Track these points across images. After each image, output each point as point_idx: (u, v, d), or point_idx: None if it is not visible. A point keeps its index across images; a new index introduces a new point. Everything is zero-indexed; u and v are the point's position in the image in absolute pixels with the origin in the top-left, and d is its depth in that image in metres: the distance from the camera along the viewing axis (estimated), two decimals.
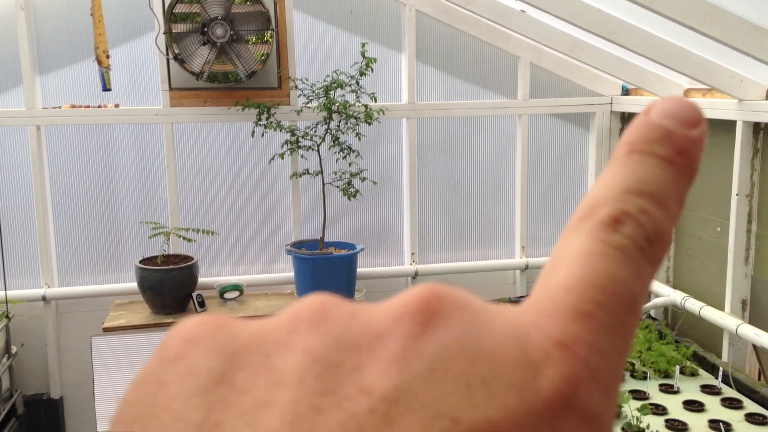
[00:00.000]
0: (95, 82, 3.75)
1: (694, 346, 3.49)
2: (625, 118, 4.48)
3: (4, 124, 3.96)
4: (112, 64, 3.64)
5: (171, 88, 4.01)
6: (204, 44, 3.77)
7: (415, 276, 4.47)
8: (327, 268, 3.99)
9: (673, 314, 3.99)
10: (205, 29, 3.74)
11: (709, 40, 2.83)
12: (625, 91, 4.42)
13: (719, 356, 3.43)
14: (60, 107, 4.00)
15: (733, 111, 3.29)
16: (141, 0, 3.87)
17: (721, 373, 3.12)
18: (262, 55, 3.88)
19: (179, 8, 3.74)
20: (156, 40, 3.90)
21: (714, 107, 3.45)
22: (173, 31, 3.76)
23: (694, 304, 3.56)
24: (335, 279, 4.00)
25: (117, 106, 4.04)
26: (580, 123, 4.57)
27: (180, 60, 3.80)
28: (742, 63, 3.08)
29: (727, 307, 3.39)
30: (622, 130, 4.51)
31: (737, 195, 3.31)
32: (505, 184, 4.58)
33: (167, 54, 3.87)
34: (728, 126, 3.40)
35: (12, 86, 3.97)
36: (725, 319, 3.34)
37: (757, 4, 2.69)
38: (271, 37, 3.86)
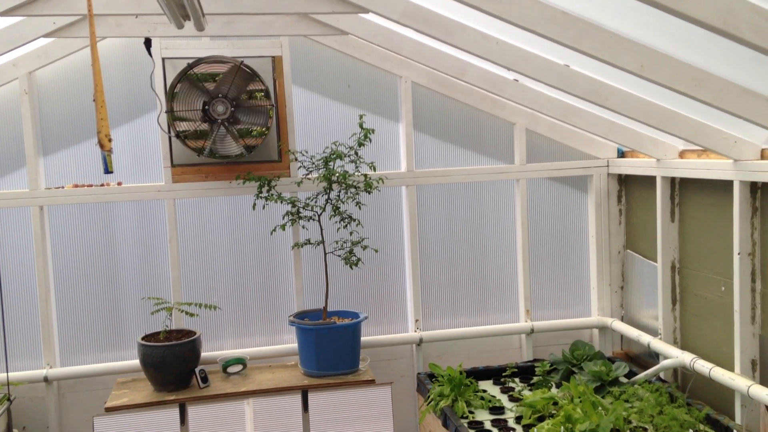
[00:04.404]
0: (97, 160, 3.80)
1: (707, 408, 3.43)
2: (622, 179, 4.52)
3: (8, 205, 3.99)
4: (115, 142, 3.69)
5: (173, 165, 4.07)
6: (205, 121, 3.84)
7: (420, 342, 4.42)
8: (331, 338, 3.96)
9: (683, 376, 3.93)
10: (206, 107, 3.82)
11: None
12: (621, 154, 4.48)
13: (732, 418, 3.37)
14: (63, 187, 4.05)
15: (729, 171, 3.32)
16: (143, 81, 3.96)
17: None
18: (262, 132, 3.94)
19: (180, 87, 3.82)
20: (158, 119, 3.97)
21: (710, 168, 3.48)
22: (175, 110, 3.83)
23: (703, 366, 3.51)
24: (339, 348, 3.97)
25: (120, 184, 4.09)
26: (578, 185, 4.61)
27: (182, 137, 3.86)
28: (734, 124, 3.13)
29: (737, 367, 3.34)
30: (619, 191, 4.55)
31: (739, 254, 3.31)
32: (507, 248, 4.59)
33: (169, 132, 3.94)
34: (725, 186, 3.43)
35: (16, 168, 4.03)
36: (736, 380, 3.29)
37: (744, 68, 2.75)
38: (270, 112, 3.93)
